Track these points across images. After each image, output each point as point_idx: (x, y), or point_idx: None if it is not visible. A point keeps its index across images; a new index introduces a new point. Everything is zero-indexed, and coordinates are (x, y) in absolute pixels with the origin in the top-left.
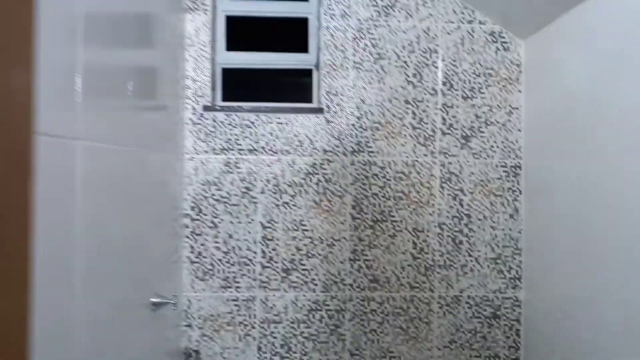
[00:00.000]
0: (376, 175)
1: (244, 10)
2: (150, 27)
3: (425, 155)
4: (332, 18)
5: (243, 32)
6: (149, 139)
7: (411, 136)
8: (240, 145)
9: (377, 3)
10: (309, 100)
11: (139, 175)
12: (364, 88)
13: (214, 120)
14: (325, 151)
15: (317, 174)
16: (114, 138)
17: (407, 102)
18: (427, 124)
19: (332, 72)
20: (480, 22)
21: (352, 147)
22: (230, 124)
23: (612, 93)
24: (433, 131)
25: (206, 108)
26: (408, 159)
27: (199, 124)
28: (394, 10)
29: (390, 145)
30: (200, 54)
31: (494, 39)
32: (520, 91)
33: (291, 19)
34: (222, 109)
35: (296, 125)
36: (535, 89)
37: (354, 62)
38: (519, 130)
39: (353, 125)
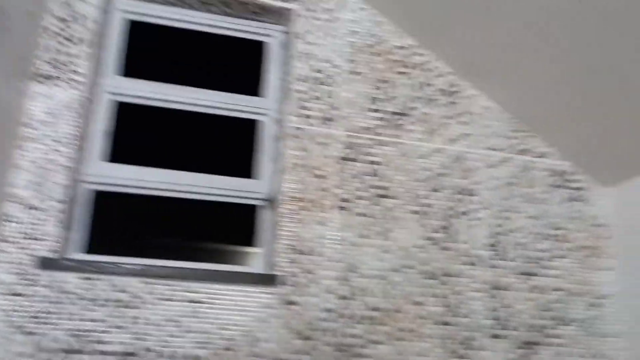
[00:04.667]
0: None
1: (146, 92)
2: None
3: None
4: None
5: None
6: None
7: (436, 338)
8: (102, 343)
9: (379, 110)
10: (248, 259)
11: None
12: (354, 246)
13: (61, 290)
14: None
15: None
16: None
17: (427, 275)
18: (462, 317)
19: (300, 210)
20: (538, 155)
21: (332, 355)
22: (92, 298)
23: None
24: (472, 331)
25: (46, 263)
26: None
27: (29, 294)
28: (405, 118)
29: (400, 353)
30: (47, 158)
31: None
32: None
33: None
34: (80, 266)
35: (222, 307)
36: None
37: (340, 198)
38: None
39: (333, 312)
